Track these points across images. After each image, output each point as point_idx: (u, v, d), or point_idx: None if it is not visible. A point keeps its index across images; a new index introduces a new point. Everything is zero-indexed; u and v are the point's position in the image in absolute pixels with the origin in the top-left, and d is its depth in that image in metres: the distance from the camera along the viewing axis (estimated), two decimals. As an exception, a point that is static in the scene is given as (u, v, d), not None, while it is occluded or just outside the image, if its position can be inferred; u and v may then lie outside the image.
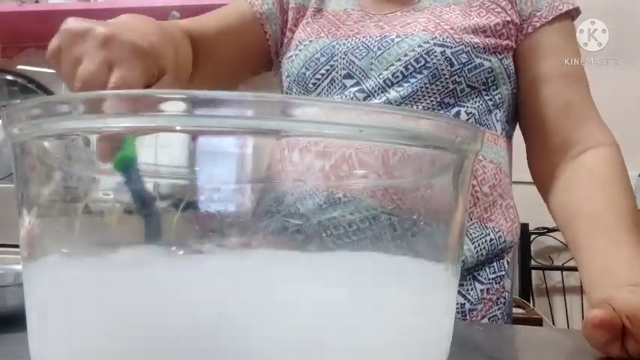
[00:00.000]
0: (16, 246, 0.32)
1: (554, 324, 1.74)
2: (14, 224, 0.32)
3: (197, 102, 0.26)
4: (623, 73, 1.71)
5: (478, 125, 0.69)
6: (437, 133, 0.30)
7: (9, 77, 1.93)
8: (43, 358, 0.31)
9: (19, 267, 0.52)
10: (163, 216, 0.32)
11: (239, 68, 0.82)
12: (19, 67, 1.89)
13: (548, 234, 1.75)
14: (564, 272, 1.73)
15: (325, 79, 0.71)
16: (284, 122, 0.27)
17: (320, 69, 0.72)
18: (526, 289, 1.73)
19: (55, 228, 0.32)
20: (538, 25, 0.72)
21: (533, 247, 1.79)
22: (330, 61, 0.71)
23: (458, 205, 0.34)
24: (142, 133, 0.30)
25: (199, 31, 0.70)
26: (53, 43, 0.46)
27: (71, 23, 0.46)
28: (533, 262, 1.77)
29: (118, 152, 0.31)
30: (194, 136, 0.28)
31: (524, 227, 1.75)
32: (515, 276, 1.73)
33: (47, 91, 1.92)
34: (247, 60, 0.82)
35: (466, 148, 0.32)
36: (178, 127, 0.27)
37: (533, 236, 1.77)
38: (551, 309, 1.79)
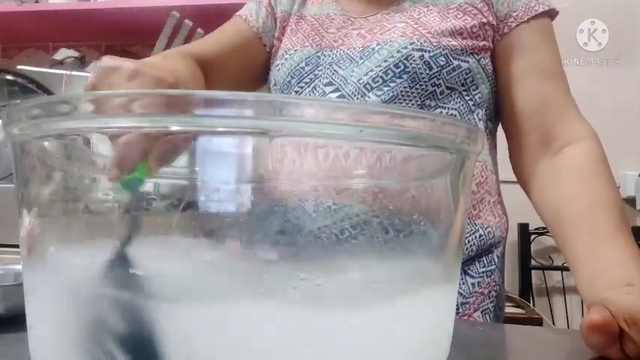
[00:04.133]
0: (16, 246, 0.32)
1: (554, 324, 1.74)
2: (14, 224, 0.32)
3: (196, 102, 0.26)
4: (623, 73, 1.71)
5: None
6: (437, 133, 0.30)
7: (9, 77, 1.92)
8: (43, 359, 0.31)
9: (19, 267, 0.52)
10: (163, 215, 0.32)
11: (243, 84, 0.84)
12: (19, 67, 1.89)
13: (548, 234, 1.74)
14: (564, 272, 1.73)
15: (308, 86, 0.74)
16: (284, 122, 0.27)
17: (304, 77, 0.74)
18: (526, 289, 1.73)
19: (55, 228, 0.32)
20: (514, 25, 0.72)
21: (533, 247, 1.79)
22: (314, 70, 0.74)
23: (459, 206, 0.34)
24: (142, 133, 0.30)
25: (203, 56, 0.72)
26: (90, 79, 0.50)
27: (105, 61, 0.49)
28: (533, 262, 1.77)
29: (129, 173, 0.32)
30: (194, 136, 0.28)
31: (524, 227, 1.75)
32: (516, 276, 1.73)
33: (47, 91, 1.91)
34: (251, 75, 0.84)
35: (466, 148, 0.32)
36: (178, 127, 0.27)
37: (533, 236, 1.77)
38: (551, 309, 1.79)
